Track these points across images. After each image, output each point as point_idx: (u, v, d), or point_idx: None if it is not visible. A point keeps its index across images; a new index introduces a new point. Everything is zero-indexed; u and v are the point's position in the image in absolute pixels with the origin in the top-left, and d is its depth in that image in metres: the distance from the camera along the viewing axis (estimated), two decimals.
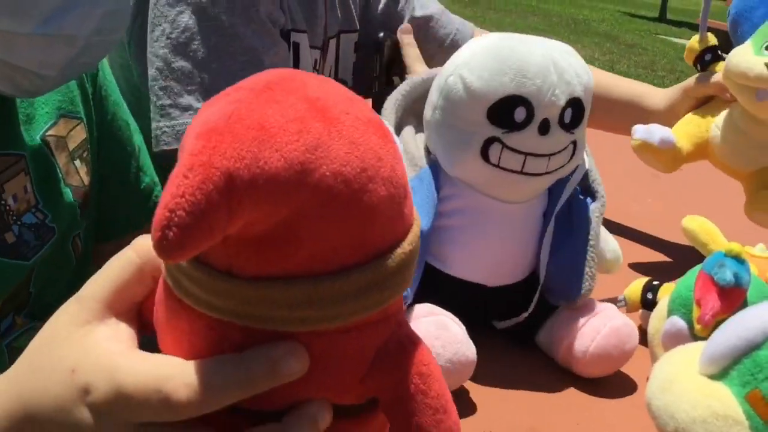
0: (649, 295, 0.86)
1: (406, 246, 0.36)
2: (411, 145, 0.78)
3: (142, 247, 0.40)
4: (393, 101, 0.79)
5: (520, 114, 0.69)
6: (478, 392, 0.73)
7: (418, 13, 1.20)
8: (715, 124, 1.05)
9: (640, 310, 0.90)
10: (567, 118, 0.71)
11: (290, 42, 0.96)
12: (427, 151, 0.77)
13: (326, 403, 0.36)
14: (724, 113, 1.05)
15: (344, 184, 0.32)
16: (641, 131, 1.02)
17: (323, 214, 0.32)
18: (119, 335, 0.39)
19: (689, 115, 1.09)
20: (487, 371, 0.74)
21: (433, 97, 0.73)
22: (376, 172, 0.33)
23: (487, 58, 0.69)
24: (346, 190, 0.32)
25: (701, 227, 0.82)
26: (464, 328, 0.71)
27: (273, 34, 0.90)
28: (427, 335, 0.64)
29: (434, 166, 0.75)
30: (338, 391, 0.37)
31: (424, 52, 1.20)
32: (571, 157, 0.74)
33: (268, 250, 0.33)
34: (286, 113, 0.32)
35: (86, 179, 0.74)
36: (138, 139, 0.84)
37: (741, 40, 1.02)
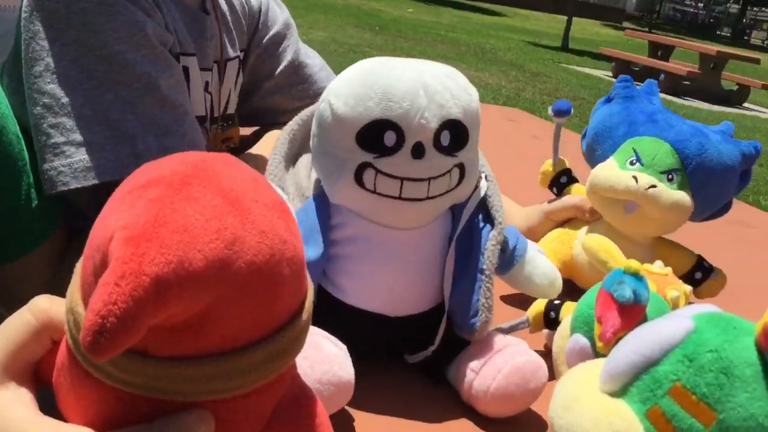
0: (552, 315, 0.86)
1: (304, 315, 0.39)
2: (302, 174, 0.76)
3: (39, 309, 0.41)
4: (288, 131, 0.78)
5: (390, 138, 0.68)
6: (376, 423, 0.71)
7: (302, 59, 1.19)
8: (578, 241, 1.05)
9: (545, 330, 0.90)
10: (445, 141, 0.70)
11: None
12: (318, 180, 0.75)
13: None
14: (585, 230, 1.05)
15: (257, 272, 0.35)
16: None
17: (236, 300, 0.35)
18: (22, 399, 0.39)
19: (556, 231, 1.10)
20: (391, 404, 0.72)
21: (312, 125, 0.73)
22: (282, 255, 0.37)
23: (355, 83, 0.68)
24: (257, 277, 0.35)
25: (601, 245, 0.83)
26: (345, 349, 0.68)
27: (166, 56, 0.86)
28: None
29: (323, 194, 0.73)
30: None
31: (295, 98, 1.18)
32: (460, 181, 0.73)
33: (183, 334, 0.35)
34: (205, 212, 0.34)
35: None
36: (28, 155, 0.80)
37: (600, 159, 1.05)
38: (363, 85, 0.68)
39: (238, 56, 1.10)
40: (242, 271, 0.35)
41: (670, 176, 0.98)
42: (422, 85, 0.68)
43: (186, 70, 0.94)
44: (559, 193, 1.13)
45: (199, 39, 0.98)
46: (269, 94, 1.19)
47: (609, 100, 1.13)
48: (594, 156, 1.09)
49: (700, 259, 1.05)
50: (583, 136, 1.15)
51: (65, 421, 0.38)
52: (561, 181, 1.13)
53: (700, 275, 1.04)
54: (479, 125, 0.73)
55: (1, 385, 0.39)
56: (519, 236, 0.81)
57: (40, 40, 0.80)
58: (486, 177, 0.78)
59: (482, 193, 0.77)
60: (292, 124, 0.78)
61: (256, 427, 0.40)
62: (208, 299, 0.34)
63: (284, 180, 0.75)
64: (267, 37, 1.16)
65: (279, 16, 1.18)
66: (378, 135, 0.68)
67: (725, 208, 1.08)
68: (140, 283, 0.32)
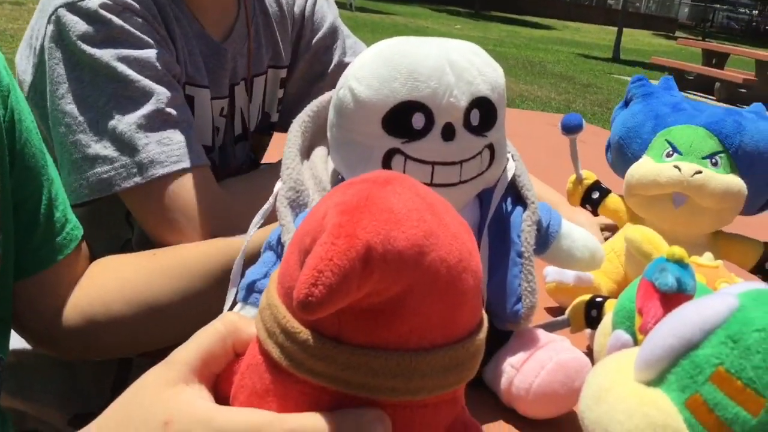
0: (593, 313, 0.81)
1: (482, 334, 0.40)
2: (320, 168, 0.73)
3: (229, 320, 0.44)
4: (299, 123, 0.74)
5: (418, 121, 0.64)
6: None
7: (348, 59, 1.16)
8: (626, 258, 0.95)
9: (587, 330, 0.85)
10: (474, 121, 0.66)
11: (184, 94, 0.97)
12: (337, 173, 0.72)
13: None
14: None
15: (447, 269, 0.37)
16: (553, 273, 0.94)
17: (428, 293, 0.37)
18: (205, 396, 0.42)
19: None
20: None
21: (330, 115, 0.69)
22: (468, 263, 0.38)
23: (377, 65, 0.65)
24: (447, 275, 0.37)
25: (644, 236, 0.77)
26: None
27: (169, 80, 0.91)
28: None
29: None
30: None
31: None
32: (491, 163, 0.69)
33: (376, 321, 0.37)
34: (407, 204, 0.37)
35: None
36: (53, 172, 0.80)
37: (632, 162, 0.96)
38: (386, 66, 0.64)
39: (270, 69, 1.11)
40: (435, 263, 0.36)
41: (713, 160, 0.91)
42: (448, 62, 0.65)
43: (191, 99, 0.98)
44: (594, 210, 1.03)
45: (216, 69, 1.02)
46: None
47: (626, 104, 1.06)
48: (624, 162, 1.00)
49: None
50: (607, 149, 1.07)
51: None
52: (593, 196, 1.02)
53: None
54: (505, 103, 0.70)
55: (187, 384, 0.42)
56: (551, 211, 0.77)
57: (61, 69, 0.89)
58: (513, 157, 0.75)
59: (510, 175, 0.73)
60: (303, 116, 0.75)
61: None
62: (404, 283, 0.36)
63: (301, 174, 0.71)
64: (315, 39, 1.15)
65: (328, 15, 1.17)
66: (405, 118, 0.64)
67: None
68: (353, 244, 0.34)
